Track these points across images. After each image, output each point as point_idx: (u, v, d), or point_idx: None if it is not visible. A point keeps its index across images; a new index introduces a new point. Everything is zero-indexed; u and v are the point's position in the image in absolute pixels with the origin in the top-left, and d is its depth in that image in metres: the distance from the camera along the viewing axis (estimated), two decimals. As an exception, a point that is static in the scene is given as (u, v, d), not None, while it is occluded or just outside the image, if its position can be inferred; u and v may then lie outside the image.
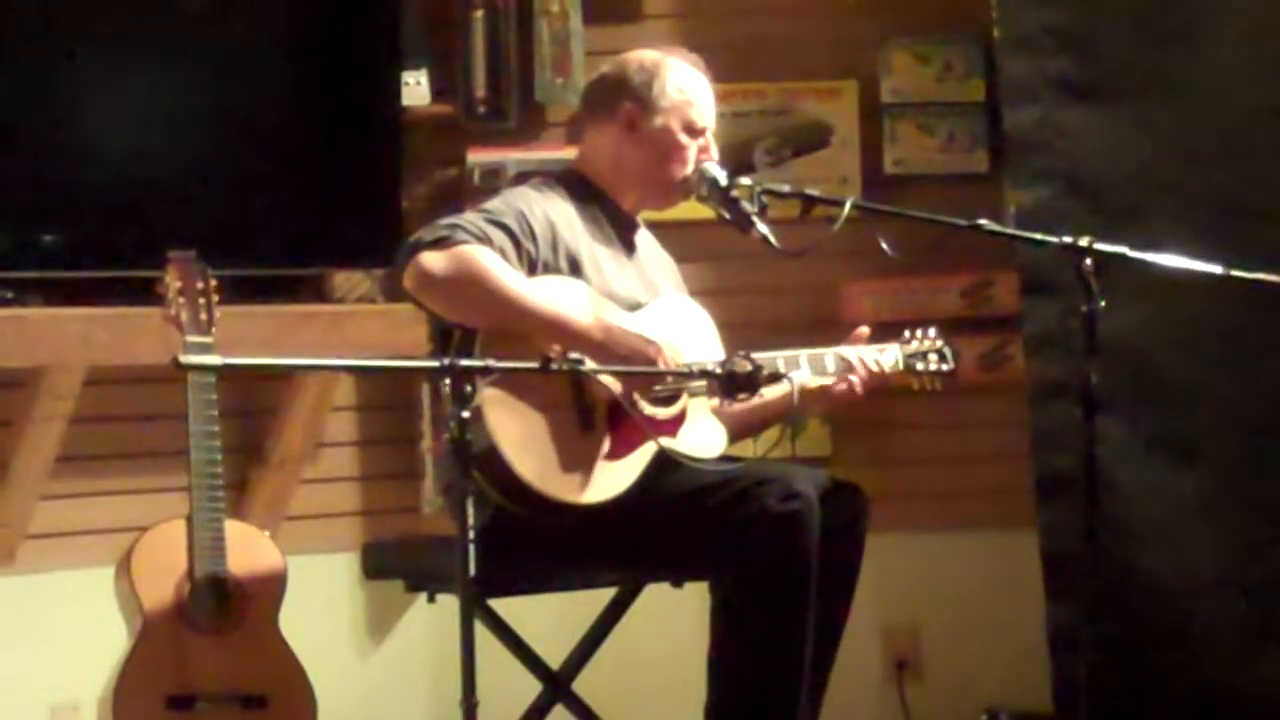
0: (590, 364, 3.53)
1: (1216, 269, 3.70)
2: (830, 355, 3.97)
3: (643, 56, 4.02)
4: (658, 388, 3.84)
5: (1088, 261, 3.55)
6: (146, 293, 4.10)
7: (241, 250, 4.53)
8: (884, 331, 4.17)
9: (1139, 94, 4.65)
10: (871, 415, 4.86)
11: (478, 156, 5.00)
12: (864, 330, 4.05)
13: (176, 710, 3.91)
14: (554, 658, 4.04)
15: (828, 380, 3.95)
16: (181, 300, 4.00)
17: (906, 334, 4.13)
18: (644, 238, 4.10)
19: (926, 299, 5.03)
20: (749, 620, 3.75)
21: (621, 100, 3.97)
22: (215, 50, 4.62)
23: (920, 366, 4.10)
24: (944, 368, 4.12)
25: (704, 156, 3.96)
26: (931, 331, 4.15)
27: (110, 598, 4.03)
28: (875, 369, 3.98)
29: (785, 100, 5.12)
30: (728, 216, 3.86)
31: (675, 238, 4.24)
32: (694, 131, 3.96)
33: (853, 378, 3.95)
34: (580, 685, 4.05)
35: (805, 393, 3.93)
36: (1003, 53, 4.79)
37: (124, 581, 3.97)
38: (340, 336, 4.64)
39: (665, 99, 3.95)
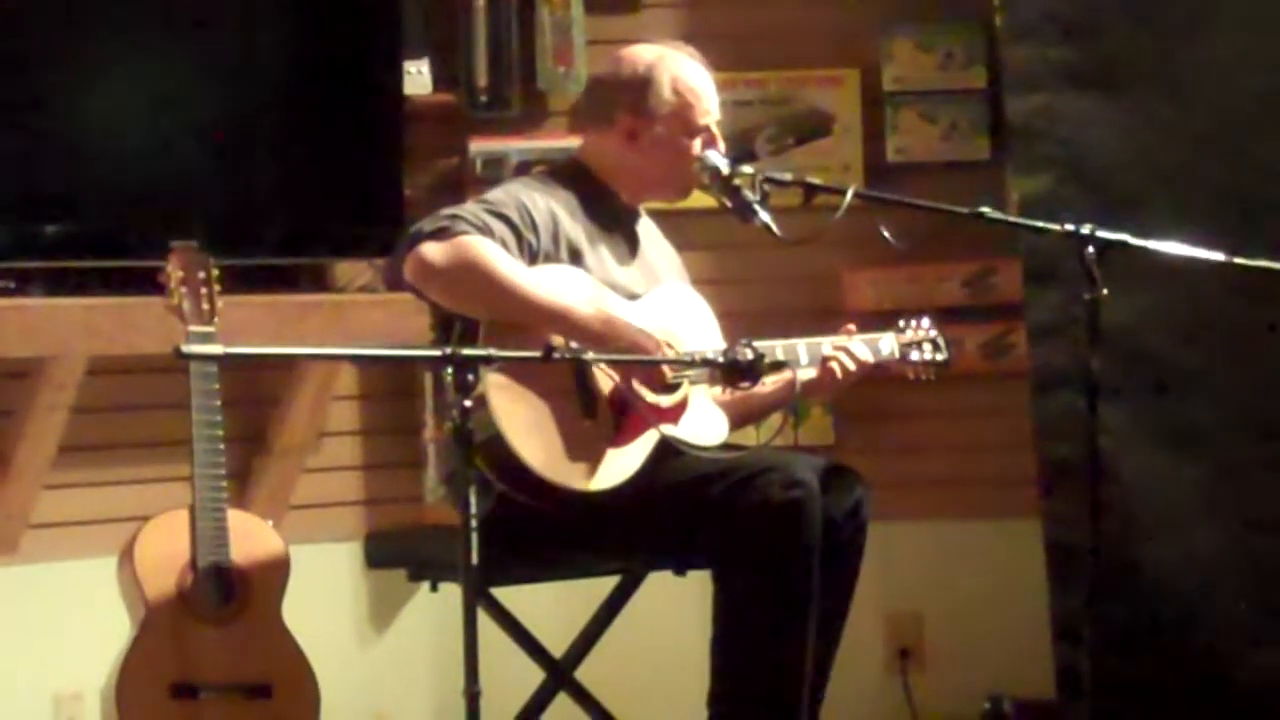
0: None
1: (1219, 257, 3.70)
2: (827, 343, 3.97)
3: (637, 58, 3.98)
4: (670, 377, 3.83)
5: (1090, 250, 3.56)
6: (148, 283, 4.09)
7: (243, 240, 4.54)
8: (885, 320, 4.18)
9: (1141, 82, 4.65)
10: (874, 404, 4.88)
11: (480, 145, 5.01)
12: (851, 326, 4.05)
13: (180, 699, 3.91)
14: (557, 646, 4.03)
15: (810, 372, 3.95)
16: (183, 290, 4.00)
17: (901, 323, 4.13)
18: (646, 227, 4.10)
19: (929, 287, 5.03)
20: (751, 608, 3.75)
21: (618, 111, 3.94)
22: (216, 39, 4.62)
23: (915, 356, 4.11)
24: (938, 357, 4.13)
25: (708, 148, 3.94)
26: (925, 321, 4.15)
27: (113, 587, 4.03)
28: (857, 364, 3.96)
29: (787, 89, 5.12)
30: (730, 205, 3.86)
31: (677, 226, 4.24)
32: (695, 132, 3.94)
33: (833, 365, 3.95)
34: (583, 673, 4.05)
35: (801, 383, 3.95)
36: (1005, 41, 4.79)
37: (127, 571, 3.97)
38: (342, 326, 4.64)
39: (663, 106, 3.93)
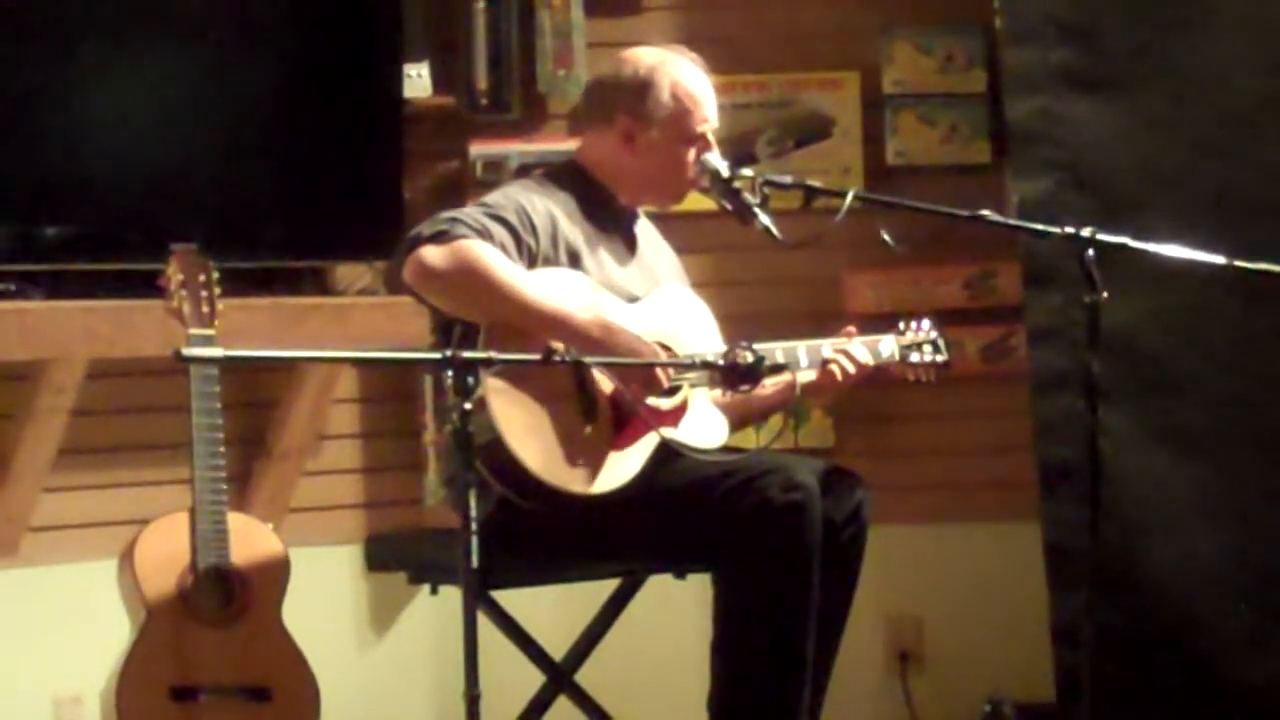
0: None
1: (1219, 259, 3.70)
2: (828, 346, 3.97)
3: (638, 61, 3.98)
4: (669, 380, 3.83)
5: (1090, 252, 3.56)
6: (148, 285, 4.10)
7: (243, 243, 4.54)
8: (886, 322, 4.18)
9: (1141, 85, 4.65)
10: (874, 407, 4.88)
11: (480, 148, 5.01)
12: (852, 329, 4.05)
13: (180, 701, 3.92)
14: (557, 649, 4.03)
15: (810, 375, 3.95)
16: (183, 293, 4.01)
17: (901, 325, 4.13)
18: (644, 229, 4.10)
19: (929, 290, 5.03)
20: (752, 611, 3.75)
21: (617, 112, 3.94)
22: (217, 42, 4.62)
23: (915, 358, 4.10)
24: (938, 359, 4.13)
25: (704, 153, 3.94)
26: (925, 323, 4.15)
27: (113, 590, 4.03)
28: (857, 367, 3.95)
29: (787, 91, 5.12)
30: (729, 208, 3.86)
31: (677, 229, 4.24)
32: (691, 139, 3.94)
33: (833, 368, 3.94)
34: (583, 677, 4.04)
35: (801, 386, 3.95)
36: (1005, 43, 4.79)
37: (127, 574, 3.98)
38: (342, 328, 4.64)
39: (661, 110, 3.92)
